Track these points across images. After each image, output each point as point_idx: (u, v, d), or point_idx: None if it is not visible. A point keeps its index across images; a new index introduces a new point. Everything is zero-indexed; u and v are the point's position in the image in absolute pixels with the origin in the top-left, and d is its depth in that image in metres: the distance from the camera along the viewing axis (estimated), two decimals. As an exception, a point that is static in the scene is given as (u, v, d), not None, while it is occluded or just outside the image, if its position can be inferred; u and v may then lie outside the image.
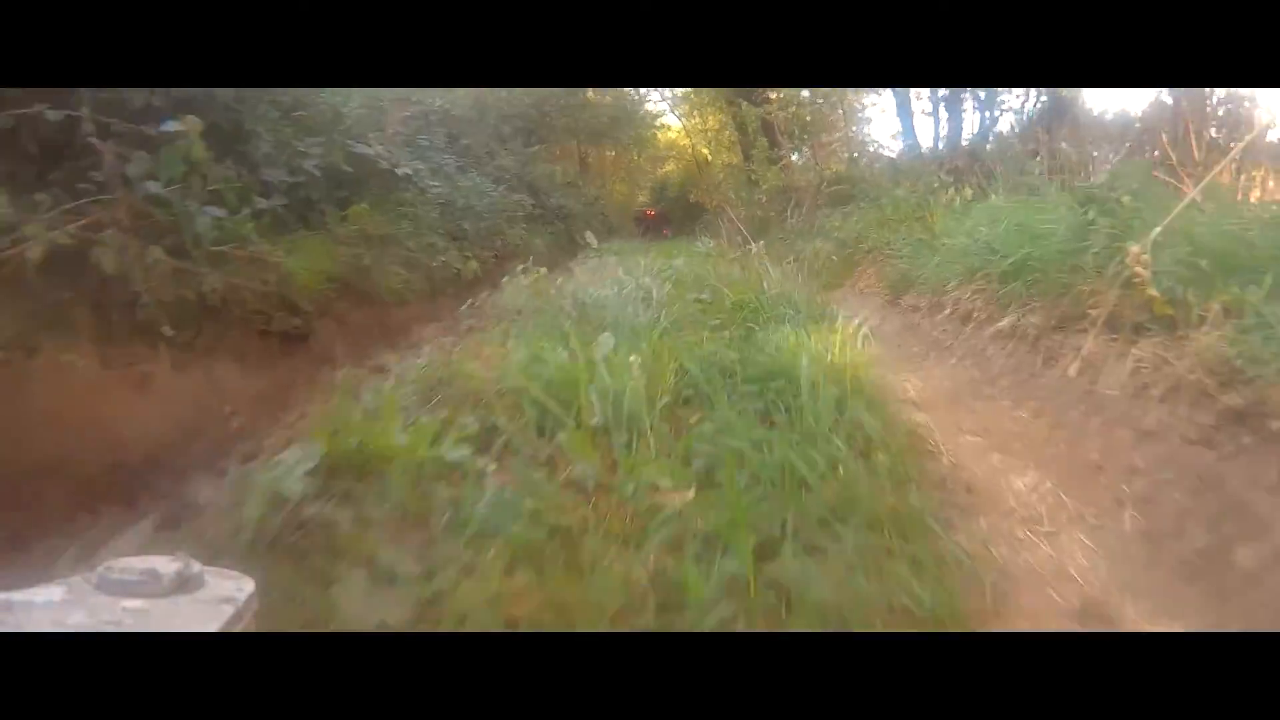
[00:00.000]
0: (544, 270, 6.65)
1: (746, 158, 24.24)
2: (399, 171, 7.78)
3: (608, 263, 6.89)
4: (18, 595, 1.25)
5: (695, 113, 30.52)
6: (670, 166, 33.71)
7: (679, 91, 30.51)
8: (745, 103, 20.37)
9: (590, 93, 27.15)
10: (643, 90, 30.81)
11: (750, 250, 5.86)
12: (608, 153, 29.01)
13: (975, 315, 5.28)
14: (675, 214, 29.56)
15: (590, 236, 9.18)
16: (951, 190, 9.79)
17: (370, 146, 7.41)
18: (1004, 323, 4.82)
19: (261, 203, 6.07)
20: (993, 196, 9.11)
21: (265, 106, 6.73)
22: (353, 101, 7.81)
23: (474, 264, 8.65)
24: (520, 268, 6.18)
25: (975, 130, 14.62)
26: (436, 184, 8.88)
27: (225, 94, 6.05)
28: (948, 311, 5.68)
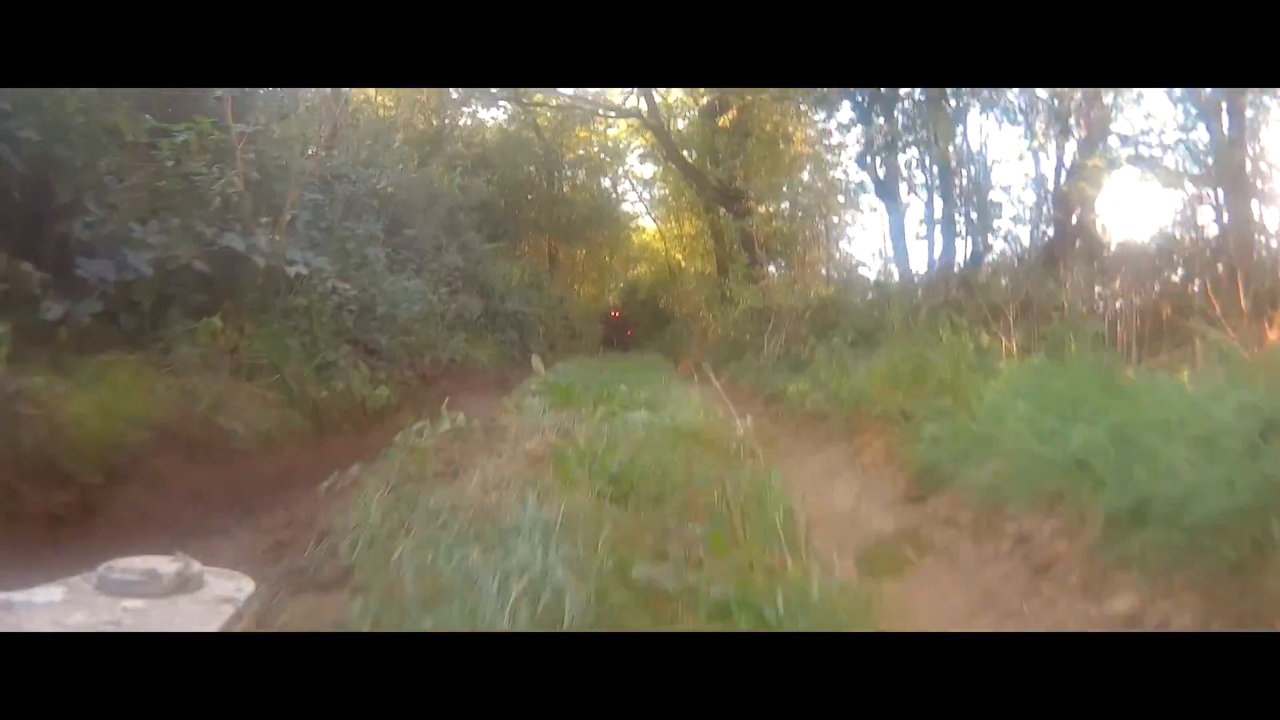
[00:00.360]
0: (460, 419, 4.98)
1: (721, 270, 23.15)
2: (290, 270, 6.06)
3: (542, 423, 5.14)
4: (18, 595, 1.34)
5: (671, 216, 29.91)
6: (642, 268, 33.28)
7: (656, 193, 29.97)
8: (724, 210, 19.14)
9: (567, 187, 25.99)
10: (620, 189, 29.98)
11: (737, 428, 4.20)
12: (579, 251, 27.65)
13: (1058, 568, 3.61)
14: (643, 318, 29.64)
15: (537, 361, 7.63)
16: (965, 335, 8.39)
17: (249, 236, 5.69)
18: (1119, 604, 3.15)
19: (54, 309, 4.34)
20: (1005, 342, 7.71)
21: (100, 172, 5.02)
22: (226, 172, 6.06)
23: (385, 390, 6.89)
24: (416, 427, 4.48)
25: (968, 254, 13.15)
26: (349, 285, 7.16)
27: (29, 151, 4.37)
28: (1007, 545, 4.01)
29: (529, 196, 21.26)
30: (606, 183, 28.77)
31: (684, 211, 27.85)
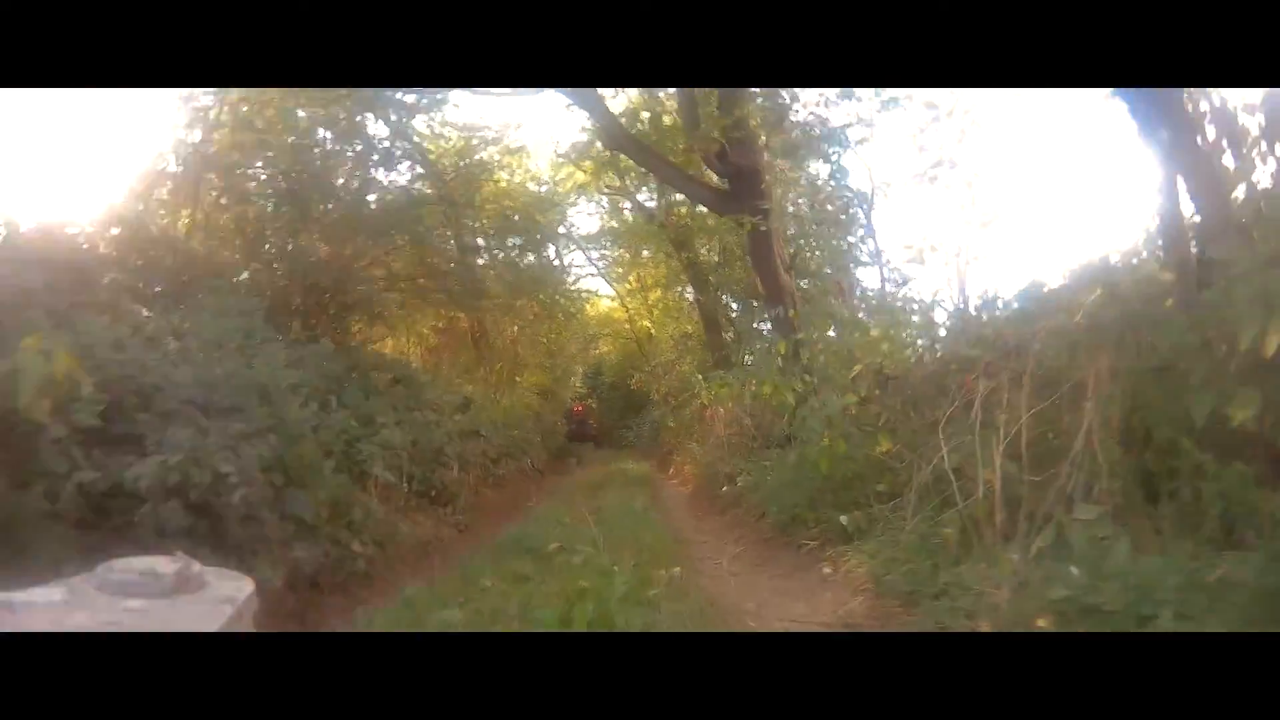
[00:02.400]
0: None
1: (711, 326, 16.32)
2: None
3: None
4: (18, 595, 1.18)
5: (632, 275, 23.62)
6: (606, 345, 27.54)
7: (610, 253, 23.46)
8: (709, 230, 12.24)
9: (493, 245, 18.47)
10: (562, 252, 22.90)
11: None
12: (510, 329, 19.97)
13: None
14: (613, 406, 25.92)
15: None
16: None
17: None
18: None
19: None
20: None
21: None
22: None
23: None
24: None
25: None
26: None
27: None
28: None
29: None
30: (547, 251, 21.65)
31: (647, 266, 21.86)
